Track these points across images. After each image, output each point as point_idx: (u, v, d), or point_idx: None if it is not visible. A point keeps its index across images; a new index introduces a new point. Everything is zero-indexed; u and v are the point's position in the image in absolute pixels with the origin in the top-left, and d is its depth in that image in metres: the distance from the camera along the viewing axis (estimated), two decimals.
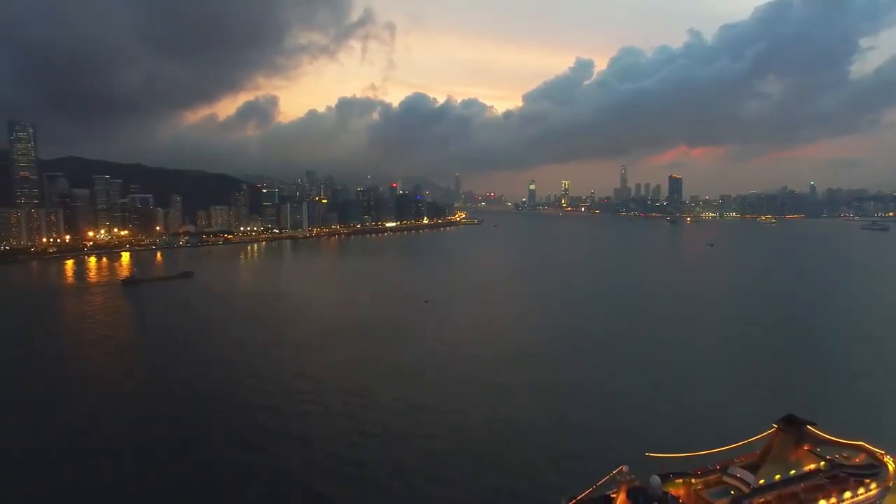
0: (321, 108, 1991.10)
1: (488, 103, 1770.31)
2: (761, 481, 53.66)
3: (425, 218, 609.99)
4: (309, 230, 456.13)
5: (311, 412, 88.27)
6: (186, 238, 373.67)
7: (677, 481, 54.48)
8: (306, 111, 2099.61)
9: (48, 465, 72.05)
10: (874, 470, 57.29)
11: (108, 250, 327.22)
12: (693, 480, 55.26)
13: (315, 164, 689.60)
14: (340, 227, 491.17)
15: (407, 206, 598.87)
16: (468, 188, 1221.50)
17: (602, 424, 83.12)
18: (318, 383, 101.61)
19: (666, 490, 52.00)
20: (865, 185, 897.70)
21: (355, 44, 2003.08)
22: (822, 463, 57.16)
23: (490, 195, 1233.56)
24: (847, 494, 54.76)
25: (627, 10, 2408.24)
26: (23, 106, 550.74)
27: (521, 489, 65.22)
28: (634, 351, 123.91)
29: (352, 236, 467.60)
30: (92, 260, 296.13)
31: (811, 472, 55.89)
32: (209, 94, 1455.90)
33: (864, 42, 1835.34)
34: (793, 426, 57.45)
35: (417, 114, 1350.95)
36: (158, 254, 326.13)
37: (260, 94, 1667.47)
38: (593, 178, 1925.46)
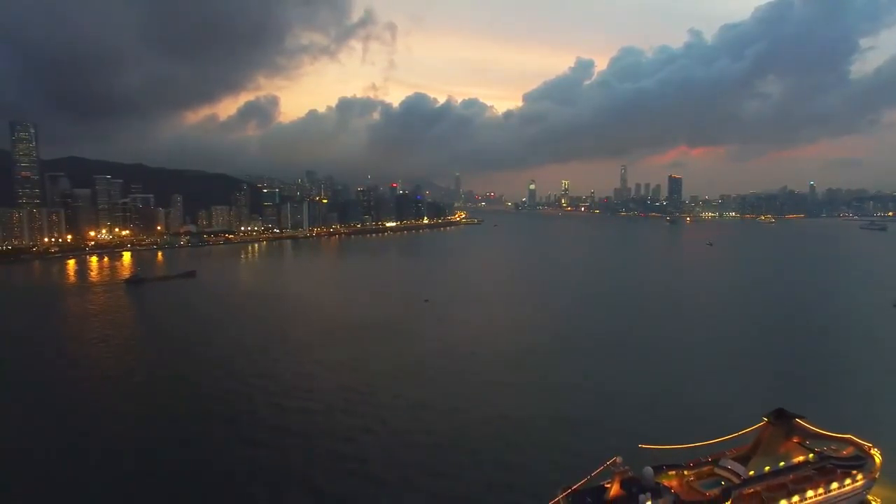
0: (322, 108, 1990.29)
1: (488, 103, 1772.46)
2: (751, 472, 55.25)
3: (425, 218, 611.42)
4: (309, 230, 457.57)
5: (312, 409, 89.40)
6: (187, 238, 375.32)
7: (670, 473, 56.06)
8: (307, 111, 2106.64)
9: (48, 464, 72.38)
10: (861, 462, 58.87)
11: (110, 250, 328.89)
12: (686, 472, 56.83)
13: (315, 164, 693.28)
14: (341, 226, 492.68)
15: (407, 205, 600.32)
16: (468, 188, 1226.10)
17: (599, 421, 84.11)
18: (320, 381, 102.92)
19: (659, 481, 53.53)
20: (865, 185, 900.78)
21: (356, 44, 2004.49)
22: (811, 455, 58.76)
23: (490, 195, 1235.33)
24: (834, 485, 56.31)
25: (627, 10, 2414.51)
26: (24, 106, 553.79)
27: (517, 483, 66.35)
28: (633, 349, 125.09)
29: (352, 236, 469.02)
30: (93, 260, 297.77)
31: (800, 464, 57.47)
32: (210, 94, 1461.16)
33: (864, 42, 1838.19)
34: (782, 419, 59.05)
35: (418, 114, 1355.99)
36: (159, 253, 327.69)
37: (261, 94, 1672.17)
38: (593, 178, 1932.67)
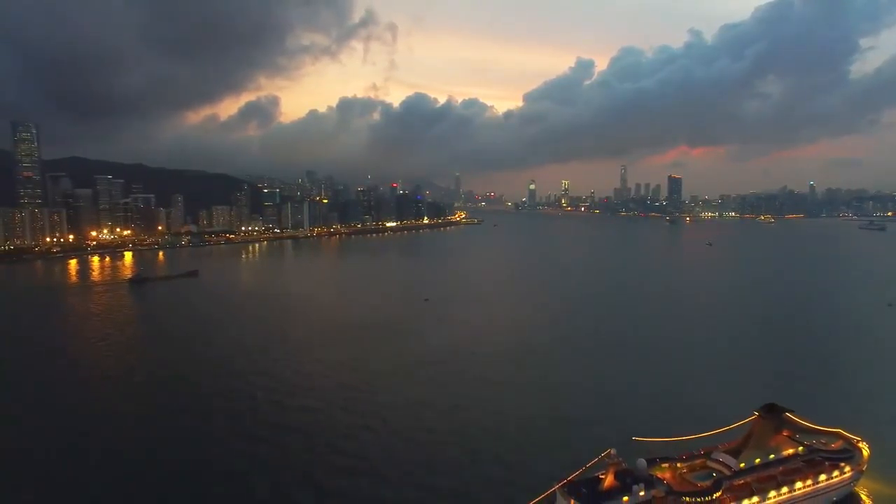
0: (322, 109, 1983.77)
1: (489, 103, 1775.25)
2: (742, 465, 56.77)
3: (425, 218, 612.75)
4: (310, 230, 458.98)
5: (313, 407, 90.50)
6: (188, 238, 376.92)
7: (663, 465, 57.55)
8: (307, 111, 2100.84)
9: (48, 464, 72.60)
10: (848, 454, 60.41)
11: (111, 250, 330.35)
12: (679, 465, 58.32)
13: (316, 164, 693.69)
14: (341, 226, 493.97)
15: (407, 205, 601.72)
16: (468, 188, 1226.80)
17: (599, 420, 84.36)
18: (320, 380, 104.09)
19: (652, 473, 55.06)
20: (865, 185, 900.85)
21: (357, 44, 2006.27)
22: (800, 448, 60.29)
23: (490, 195, 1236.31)
24: (822, 477, 57.84)
25: (627, 10, 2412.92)
26: (24, 106, 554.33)
27: (517, 480, 66.93)
28: (633, 349, 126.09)
29: (352, 236, 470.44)
30: (95, 259, 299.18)
31: (789, 457, 59.00)
32: (211, 94, 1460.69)
33: (864, 42, 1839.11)
34: (773, 413, 60.60)
35: (418, 114, 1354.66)
36: (161, 253, 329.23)
37: (262, 94, 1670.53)
38: (593, 178, 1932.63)
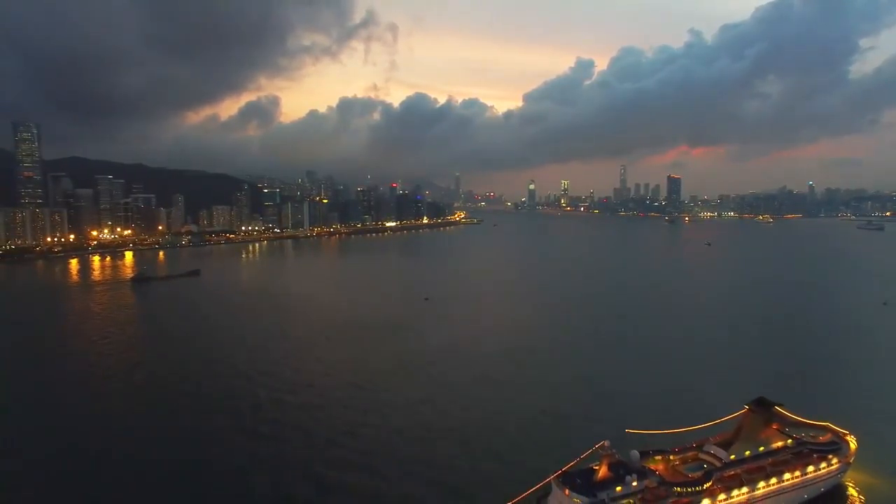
0: (322, 109, 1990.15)
1: (489, 103, 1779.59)
2: (732, 457, 58.33)
3: (425, 218, 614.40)
4: (310, 230, 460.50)
5: (313, 405, 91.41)
6: (189, 237, 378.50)
7: (656, 458, 59.01)
8: (308, 111, 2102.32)
9: (48, 464, 72.47)
10: (836, 447, 61.94)
11: (112, 249, 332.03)
12: (671, 457, 59.82)
13: (316, 164, 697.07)
14: (341, 226, 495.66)
15: (407, 205, 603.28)
16: (468, 188, 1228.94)
17: (599, 420, 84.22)
18: (321, 378, 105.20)
19: (645, 464, 56.61)
20: (865, 185, 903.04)
21: (358, 45, 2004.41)
22: (790, 441, 61.83)
23: (490, 195, 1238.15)
24: (810, 469, 59.36)
25: (627, 10, 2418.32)
26: (25, 106, 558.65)
27: (516, 476, 66.93)
28: (632, 348, 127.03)
29: (352, 236, 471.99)
30: (96, 259, 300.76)
31: (778, 449, 60.53)
32: (211, 94, 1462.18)
33: (864, 42, 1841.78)
34: (763, 407, 62.16)
35: (418, 114, 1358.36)
36: (161, 253, 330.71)
37: (262, 94, 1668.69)
38: (593, 178, 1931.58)
